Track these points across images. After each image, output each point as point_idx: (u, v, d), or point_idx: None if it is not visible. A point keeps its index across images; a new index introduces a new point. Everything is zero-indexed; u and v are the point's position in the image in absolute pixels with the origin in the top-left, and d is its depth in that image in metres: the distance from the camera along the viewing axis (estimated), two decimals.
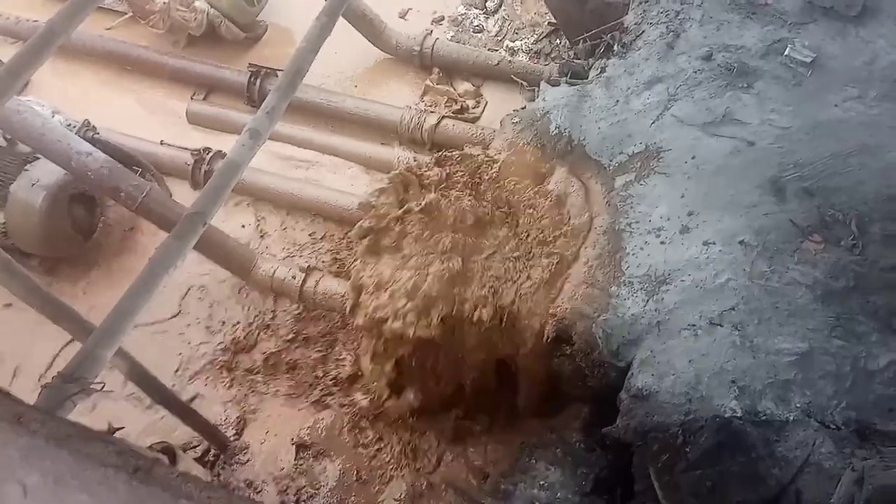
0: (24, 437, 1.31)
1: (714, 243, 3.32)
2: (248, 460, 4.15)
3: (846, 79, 3.77)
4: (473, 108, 5.48)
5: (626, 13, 4.33)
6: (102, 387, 2.22)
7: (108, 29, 6.04)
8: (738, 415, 2.88)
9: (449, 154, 3.92)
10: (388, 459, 4.04)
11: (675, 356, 3.07)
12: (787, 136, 3.59)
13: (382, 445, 4.09)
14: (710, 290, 3.20)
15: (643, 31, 4.16)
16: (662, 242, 3.40)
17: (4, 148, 4.68)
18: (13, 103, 3.81)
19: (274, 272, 4.56)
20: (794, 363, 2.97)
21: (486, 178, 3.80)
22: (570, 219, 3.70)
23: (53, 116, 4.88)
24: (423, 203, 3.64)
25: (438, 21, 6.18)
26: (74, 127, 4.89)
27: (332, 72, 5.84)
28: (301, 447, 4.12)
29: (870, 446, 2.80)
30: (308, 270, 4.53)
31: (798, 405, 2.89)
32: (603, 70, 4.11)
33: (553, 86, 4.19)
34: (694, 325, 3.13)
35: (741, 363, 3.00)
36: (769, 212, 3.36)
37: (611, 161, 3.75)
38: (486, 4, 6.17)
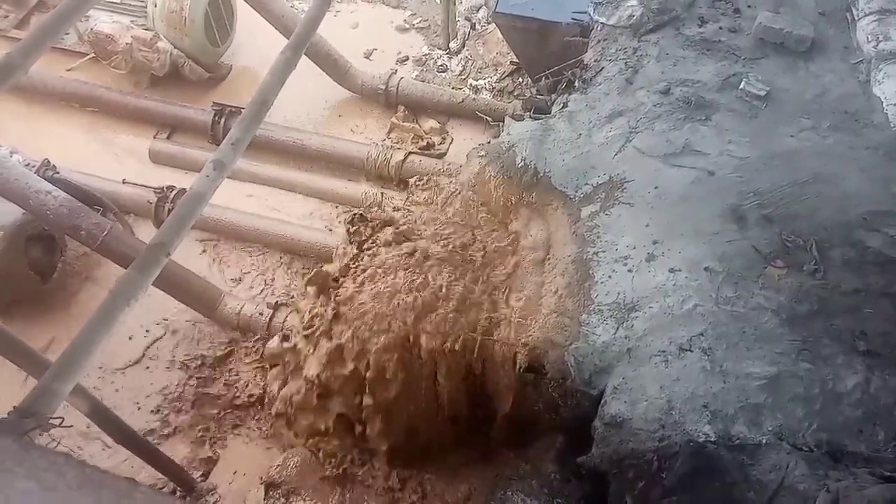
0: None
1: (680, 270, 3.35)
2: (215, 502, 4.01)
3: (799, 111, 3.90)
4: (440, 144, 5.54)
5: (586, 51, 4.45)
6: (61, 422, 2.12)
7: (70, 70, 5.99)
8: (712, 439, 2.87)
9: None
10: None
11: (647, 382, 3.07)
12: (746, 165, 3.69)
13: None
14: (678, 316, 3.22)
15: (602, 68, 4.27)
16: (630, 271, 3.43)
17: None
18: None
19: (241, 309, 4.48)
20: (764, 387, 2.98)
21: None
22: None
23: (11, 156, 4.77)
24: None
25: (403, 61, 6.28)
26: (34, 166, 4.79)
27: (299, 110, 5.87)
28: (271, 486, 3.97)
29: (842, 467, 2.81)
30: (275, 307, 4.46)
31: (770, 428, 2.90)
32: (565, 105, 4.19)
33: (517, 121, 4.26)
34: (664, 352, 3.14)
35: (712, 388, 3.00)
36: (732, 239, 3.42)
37: (576, 192, 3.80)
38: (450, 45, 6.29)
